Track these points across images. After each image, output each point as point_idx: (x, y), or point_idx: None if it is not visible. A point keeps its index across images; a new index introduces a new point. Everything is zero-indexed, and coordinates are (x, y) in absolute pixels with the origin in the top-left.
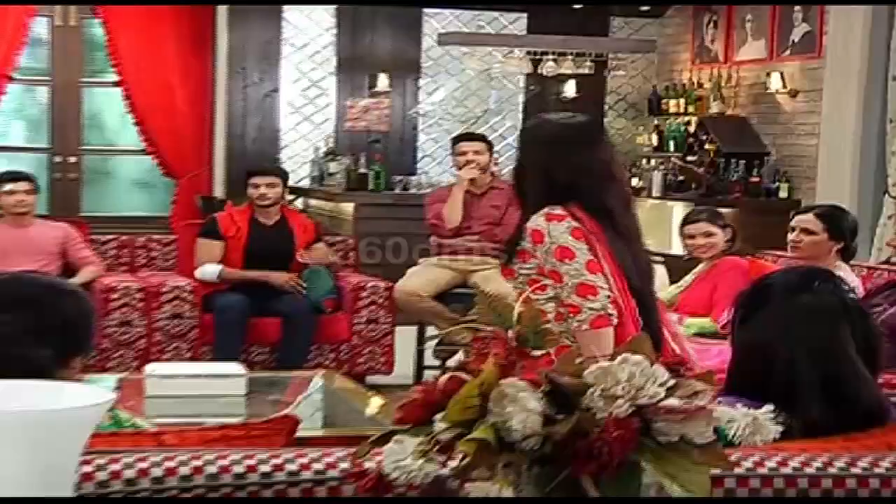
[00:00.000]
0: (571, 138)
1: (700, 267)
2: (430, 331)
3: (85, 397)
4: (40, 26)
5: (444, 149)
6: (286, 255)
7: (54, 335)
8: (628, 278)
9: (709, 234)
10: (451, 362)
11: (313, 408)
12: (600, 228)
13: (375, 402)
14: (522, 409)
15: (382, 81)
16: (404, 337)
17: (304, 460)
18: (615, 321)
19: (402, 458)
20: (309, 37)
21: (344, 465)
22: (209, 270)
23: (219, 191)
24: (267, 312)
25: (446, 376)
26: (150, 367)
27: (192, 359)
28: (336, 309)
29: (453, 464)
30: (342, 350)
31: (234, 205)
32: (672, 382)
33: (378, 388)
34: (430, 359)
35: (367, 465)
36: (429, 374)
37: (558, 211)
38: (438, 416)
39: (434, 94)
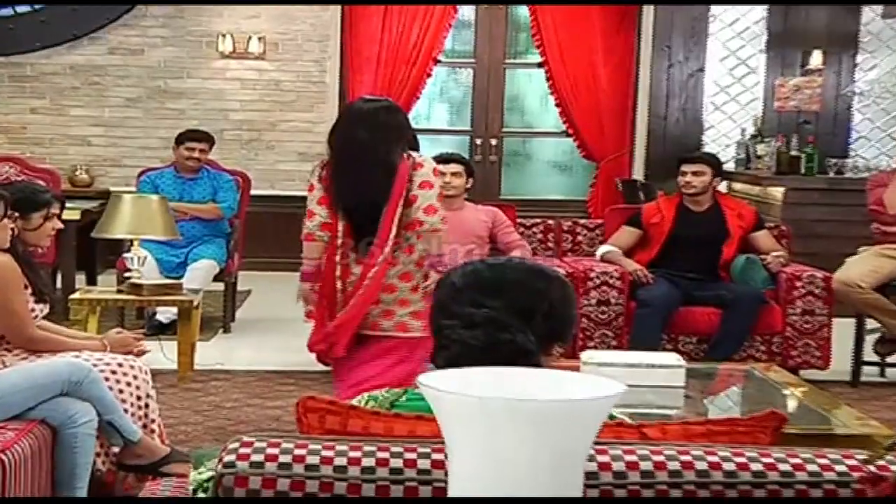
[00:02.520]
0: (347, 111)
1: None
2: (870, 324)
3: (593, 388)
4: (467, 8)
5: (881, 129)
6: (716, 242)
7: (539, 320)
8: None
9: None
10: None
11: (755, 402)
12: (330, 179)
13: (824, 399)
14: None
15: (816, 58)
16: (841, 330)
17: (797, 460)
18: (323, 239)
19: None
20: (739, 12)
21: (840, 468)
22: (603, 249)
23: (639, 174)
24: (703, 301)
25: None
26: (587, 355)
27: (618, 348)
28: (771, 300)
29: None
30: (774, 342)
31: (666, 194)
32: None
33: (813, 384)
34: (869, 354)
35: (870, 468)
36: (868, 371)
37: (324, 160)
38: None
39: (872, 71)
